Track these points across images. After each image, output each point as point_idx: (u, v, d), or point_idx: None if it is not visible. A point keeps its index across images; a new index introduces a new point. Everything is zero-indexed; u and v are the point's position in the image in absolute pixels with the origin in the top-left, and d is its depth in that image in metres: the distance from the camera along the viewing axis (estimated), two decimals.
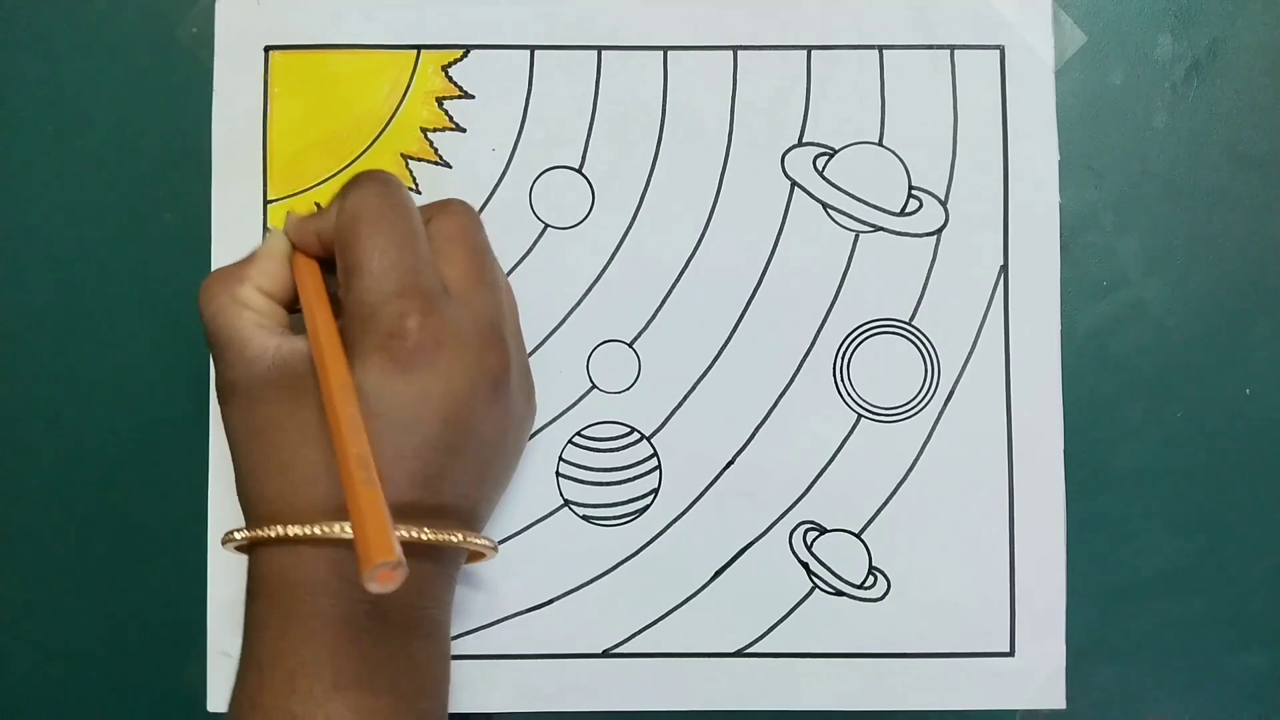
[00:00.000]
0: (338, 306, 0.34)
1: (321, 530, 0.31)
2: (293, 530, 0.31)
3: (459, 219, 0.35)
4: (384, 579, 0.27)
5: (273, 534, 0.31)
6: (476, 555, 0.35)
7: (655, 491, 0.40)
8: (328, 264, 0.36)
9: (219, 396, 0.34)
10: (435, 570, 0.34)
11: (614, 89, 0.41)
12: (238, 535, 0.33)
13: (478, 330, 0.33)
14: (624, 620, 0.40)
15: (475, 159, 0.41)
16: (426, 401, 0.32)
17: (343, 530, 0.31)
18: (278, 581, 0.32)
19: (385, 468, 0.31)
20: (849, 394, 0.40)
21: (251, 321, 0.33)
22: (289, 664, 0.31)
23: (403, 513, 0.31)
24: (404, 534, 0.31)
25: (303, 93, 0.41)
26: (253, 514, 0.33)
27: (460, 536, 0.33)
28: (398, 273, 0.32)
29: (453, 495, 0.33)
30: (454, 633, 0.40)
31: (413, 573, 0.32)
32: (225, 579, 0.40)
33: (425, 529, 0.32)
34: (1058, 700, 0.40)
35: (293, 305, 0.36)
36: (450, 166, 0.41)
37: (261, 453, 0.32)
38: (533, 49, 0.41)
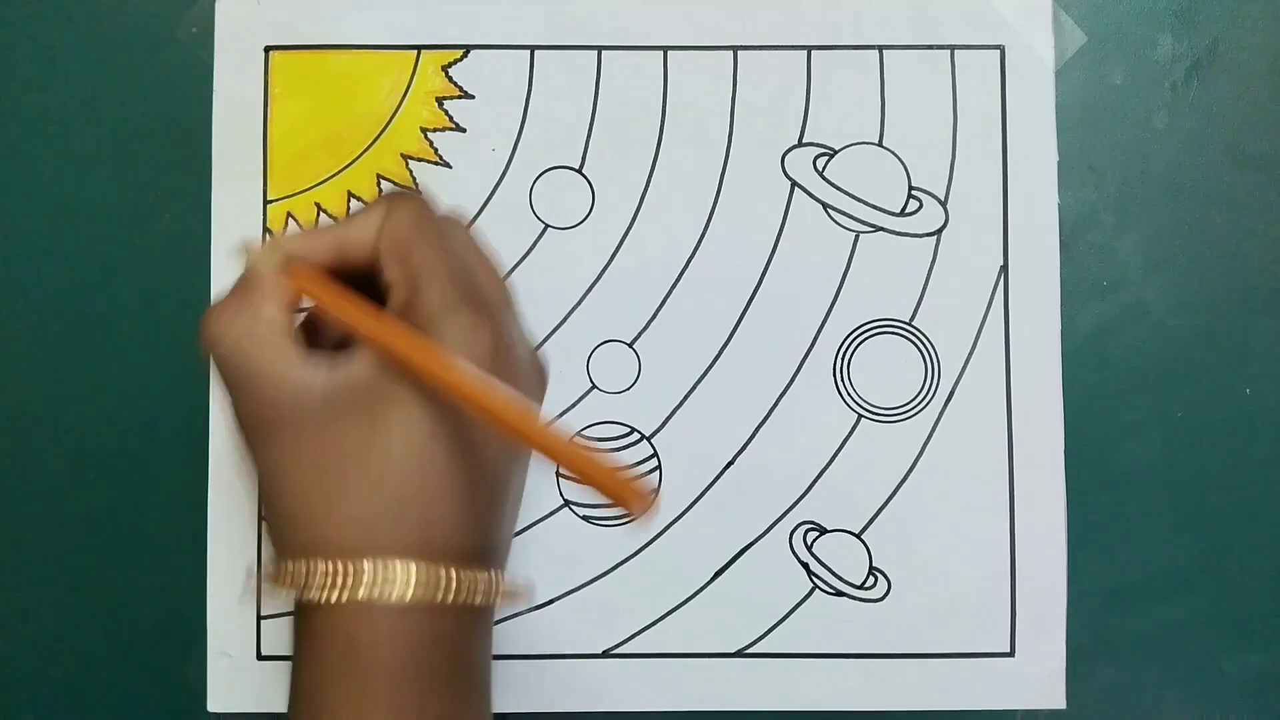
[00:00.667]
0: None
1: (370, 575, 0.29)
2: (342, 578, 0.29)
3: (467, 233, 0.34)
4: (642, 505, 0.27)
5: (325, 580, 0.29)
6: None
7: (655, 492, 0.40)
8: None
9: (248, 434, 0.31)
10: (488, 618, 0.32)
11: (614, 89, 0.41)
12: (290, 570, 0.29)
13: (524, 338, 0.33)
14: (624, 620, 0.40)
15: (475, 159, 0.41)
16: None
17: (407, 575, 0.29)
18: (328, 635, 0.29)
19: (436, 500, 0.30)
20: (849, 394, 0.40)
21: (280, 353, 0.31)
22: None
23: (450, 551, 0.30)
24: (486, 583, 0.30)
25: (303, 93, 0.41)
26: (296, 555, 0.30)
27: (530, 587, 0.33)
28: (460, 286, 0.30)
29: (491, 529, 0.32)
30: None
31: (473, 620, 0.31)
32: (225, 579, 0.40)
33: (508, 580, 0.31)
34: (1058, 700, 0.40)
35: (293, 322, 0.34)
36: (450, 166, 0.41)
37: (307, 490, 0.30)
38: (533, 49, 0.41)
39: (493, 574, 0.30)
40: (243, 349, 0.31)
